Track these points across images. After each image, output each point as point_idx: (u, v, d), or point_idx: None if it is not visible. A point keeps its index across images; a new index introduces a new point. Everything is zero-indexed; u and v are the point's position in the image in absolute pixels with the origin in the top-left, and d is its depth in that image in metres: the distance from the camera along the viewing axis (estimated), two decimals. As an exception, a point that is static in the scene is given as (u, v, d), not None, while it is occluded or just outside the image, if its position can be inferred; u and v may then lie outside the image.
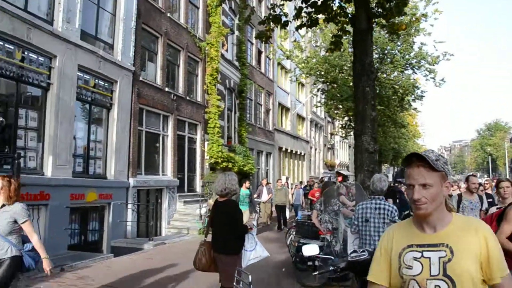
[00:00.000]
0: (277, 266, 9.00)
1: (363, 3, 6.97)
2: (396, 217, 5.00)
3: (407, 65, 19.43)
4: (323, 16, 7.87)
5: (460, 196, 7.02)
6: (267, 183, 17.66)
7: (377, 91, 20.05)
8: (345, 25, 7.89)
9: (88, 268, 8.51)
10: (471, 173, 11.50)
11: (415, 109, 23.42)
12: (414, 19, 16.34)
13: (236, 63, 20.85)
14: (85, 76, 11.52)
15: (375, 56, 20.17)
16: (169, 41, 15.48)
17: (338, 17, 7.55)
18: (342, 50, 20.23)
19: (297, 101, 31.90)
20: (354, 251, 3.77)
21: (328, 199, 7.83)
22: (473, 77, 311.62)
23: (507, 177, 61.52)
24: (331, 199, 7.91)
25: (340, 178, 41.90)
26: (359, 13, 6.99)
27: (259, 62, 24.94)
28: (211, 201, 12.75)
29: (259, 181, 22.47)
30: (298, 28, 8.09)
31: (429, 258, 1.82)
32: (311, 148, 35.40)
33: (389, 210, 4.94)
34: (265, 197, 16.15)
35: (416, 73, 20.27)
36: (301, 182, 24.91)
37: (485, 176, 67.73)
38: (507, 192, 5.26)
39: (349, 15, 7.55)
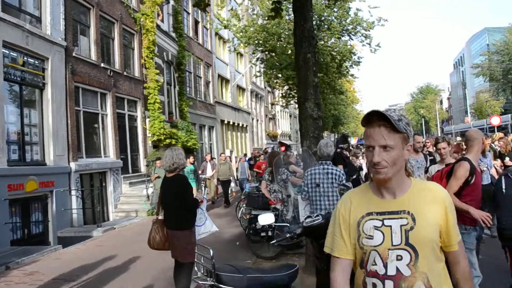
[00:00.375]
0: (231, 240, 9.06)
1: (303, -33, 6.87)
2: (344, 181, 5.17)
3: (344, 31, 19.61)
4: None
5: None
6: (211, 159, 17.50)
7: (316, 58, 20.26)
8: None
9: (36, 263, 8.08)
10: (414, 132, 11.91)
11: (352, 75, 23.78)
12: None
13: (173, 35, 20.22)
14: (11, 53, 10.57)
15: (314, 23, 20.29)
16: (101, 12, 14.63)
17: (279, -18, 7.39)
18: (280, 18, 20.24)
19: (237, 72, 31.62)
20: (308, 217, 3.81)
21: (277, 169, 7.86)
22: (407, 42, 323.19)
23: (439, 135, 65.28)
24: (279, 168, 7.95)
25: (283, 148, 42.51)
26: (299, -22, 6.89)
27: (196, 32, 24.31)
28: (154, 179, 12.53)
29: (204, 156, 22.32)
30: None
31: (390, 226, 1.71)
32: (253, 119, 35.46)
33: (337, 174, 5.13)
34: (209, 172, 15.99)
35: (352, 39, 20.52)
36: (245, 155, 25.03)
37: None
38: (443, 152, 5.51)
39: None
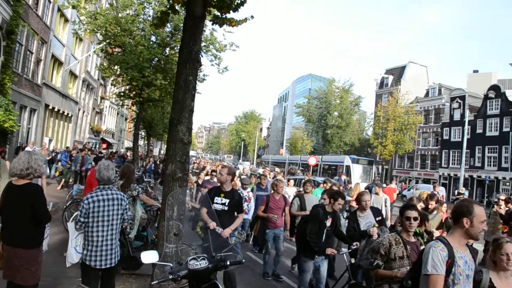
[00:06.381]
0: (55, 248, 7.96)
1: (202, -11, 6.62)
2: (128, 205, 4.85)
3: (197, 46, 19.66)
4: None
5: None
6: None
7: (163, 66, 19.95)
8: (175, 4, 7.35)
9: None
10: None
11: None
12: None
13: (10, -4, 17.56)
14: None
15: (167, 30, 19.96)
16: None
17: (172, -5, 6.95)
18: (136, 15, 19.43)
19: (73, 56, 29.01)
20: (193, 258, 3.60)
21: (128, 184, 7.27)
22: (246, 64, 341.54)
23: (255, 161, 69.83)
24: (130, 184, 7.38)
25: (104, 145, 40.45)
26: (197, -1, 6.61)
27: (37, 2, 21.51)
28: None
29: (19, 141, 19.70)
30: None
31: None
32: (79, 110, 32.82)
33: (121, 199, 4.66)
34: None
35: (202, 56, 20.77)
36: (67, 148, 22.88)
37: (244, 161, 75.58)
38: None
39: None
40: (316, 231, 6.07)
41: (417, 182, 43.89)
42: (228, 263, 3.73)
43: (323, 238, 6.15)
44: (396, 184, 20.23)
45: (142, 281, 6.65)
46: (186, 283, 3.98)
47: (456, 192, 20.26)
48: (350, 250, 6.18)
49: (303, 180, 11.03)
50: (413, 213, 4.32)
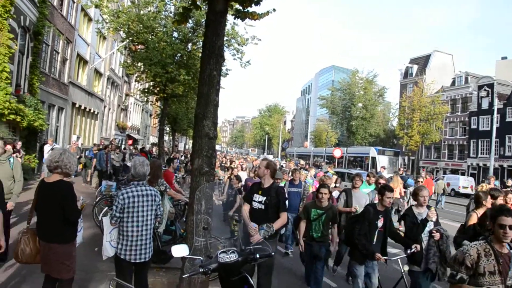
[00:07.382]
0: (87, 244, 8.11)
1: (224, -17, 6.60)
2: (160, 201, 4.86)
3: (219, 41, 19.64)
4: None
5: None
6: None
7: (186, 61, 20.01)
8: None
9: None
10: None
11: (218, 84, 24.01)
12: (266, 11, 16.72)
13: (36, -2, 17.93)
14: None
15: (189, 25, 20.00)
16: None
17: (194, -10, 6.97)
18: (157, 11, 19.54)
19: (97, 54, 29.44)
20: (223, 252, 3.59)
21: (156, 179, 7.35)
22: (268, 58, 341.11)
23: (279, 154, 69.81)
24: (157, 179, 7.46)
25: (130, 142, 40.90)
26: (218, -7, 6.61)
27: (61, 3, 21.92)
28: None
29: (46, 139, 20.12)
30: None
31: None
32: (105, 107, 33.35)
33: (155, 196, 4.70)
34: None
35: (225, 51, 20.69)
36: (95, 145, 23.24)
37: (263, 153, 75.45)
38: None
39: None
40: (366, 233, 5.64)
41: (444, 173, 43.06)
42: (257, 256, 3.73)
43: (374, 240, 5.67)
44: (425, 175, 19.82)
45: (172, 274, 6.71)
46: (216, 276, 4.02)
47: (502, 184, 19.62)
48: (407, 255, 5.51)
49: (328, 173, 10.75)
50: (509, 220, 3.41)
